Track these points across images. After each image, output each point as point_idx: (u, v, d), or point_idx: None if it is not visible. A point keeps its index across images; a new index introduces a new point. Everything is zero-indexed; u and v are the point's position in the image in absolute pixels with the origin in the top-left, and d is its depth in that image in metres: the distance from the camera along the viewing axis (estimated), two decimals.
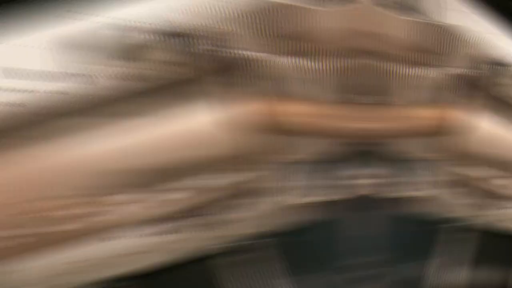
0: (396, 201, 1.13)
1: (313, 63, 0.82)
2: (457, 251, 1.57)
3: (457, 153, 0.99)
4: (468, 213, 1.47)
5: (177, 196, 0.72)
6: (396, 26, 0.86)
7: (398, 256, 1.22)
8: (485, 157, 1.03)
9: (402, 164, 1.13)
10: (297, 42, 0.79)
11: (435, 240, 1.57)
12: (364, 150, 0.94)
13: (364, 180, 0.98)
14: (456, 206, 1.37)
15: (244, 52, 0.73)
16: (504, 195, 1.22)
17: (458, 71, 0.99)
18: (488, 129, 1.00)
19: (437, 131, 0.97)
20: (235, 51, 0.72)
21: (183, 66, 0.68)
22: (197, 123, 0.72)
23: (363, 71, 0.89)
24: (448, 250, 1.55)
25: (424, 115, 0.94)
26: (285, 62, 0.78)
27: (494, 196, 1.30)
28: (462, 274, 1.56)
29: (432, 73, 0.97)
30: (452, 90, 1.01)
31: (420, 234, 1.45)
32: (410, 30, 0.87)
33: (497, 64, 0.96)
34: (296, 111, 0.82)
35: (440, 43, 0.93)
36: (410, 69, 0.94)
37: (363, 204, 1.00)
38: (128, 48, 0.64)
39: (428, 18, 0.89)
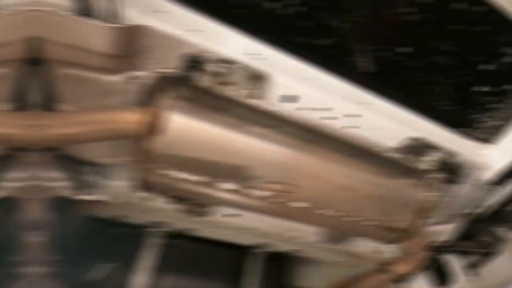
0: (83, 204, 1.22)
1: None
2: (149, 256, 1.65)
3: (150, 156, 0.96)
4: (168, 219, 1.54)
5: None
6: (83, 32, 0.84)
7: (81, 258, 1.33)
8: (183, 161, 0.99)
9: (90, 168, 1.21)
10: None
11: (125, 243, 1.68)
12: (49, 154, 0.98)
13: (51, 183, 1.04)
14: (154, 211, 1.44)
15: None
16: (208, 201, 1.20)
17: (149, 73, 0.97)
18: (189, 131, 0.97)
19: (127, 134, 0.95)
20: None
21: None
22: None
23: (38, 78, 0.90)
24: (136, 254, 1.65)
25: (111, 118, 0.92)
26: None
27: (196, 202, 1.30)
28: (146, 279, 1.63)
29: (121, 78, 0.95)
30: (143, 93, 1.00)
31: (109, 237, 1.59)
32: (100, 36, 0.85)
33: (197, 62, 0.93)
34: None
35: (131, 46, 0.90)
36: (97, 75, 0.93)
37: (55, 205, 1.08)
38: None
39: (120, 22, 0.87)
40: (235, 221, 1.56)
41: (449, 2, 1.06)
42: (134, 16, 0.91)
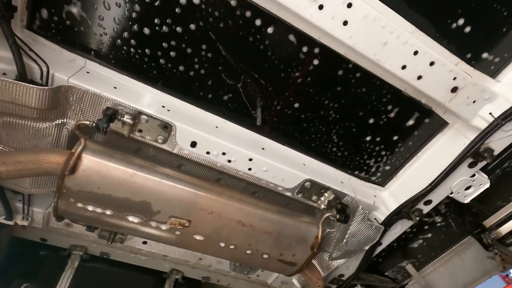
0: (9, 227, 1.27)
1: None
2: (67, 277, 1.77)
3: (65, 190, 1.12)
4: (86, 244, 1.83)
5: None
6: (19, 92, 1.03)
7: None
8: (93, 195, 1.15)
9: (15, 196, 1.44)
10: None
11: (45, 265, 1.83)
12: None
13: None
14: (74, 236, 1.73)
15: None
16: (116, 229, 1.39)
17: (73, 121, 1.18)
18: (98, 170, 1.13)
19: (47, 172, 1.13)
20: None
21: None
22: None
23: None
24: (55, 275, 1.78)
25: (34, 159, 1.11)
26: None
27: (106, 230, 1.53)
28: None
29: (49, 125, 1.16)
30: (67, 137, 1.22)
31: (30, 258, 1.82)
32: (32, 95, 1.04)
33: (113, 113, 1.12)
34: None
35: (58, 101, 1.12)
36: (30, 122, 1.13)
37: None
38: None
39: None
40: (145, 248, 1.71)
41: (333, 69, 1.32)
42: (60, 77, 1.12)
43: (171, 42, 1.20)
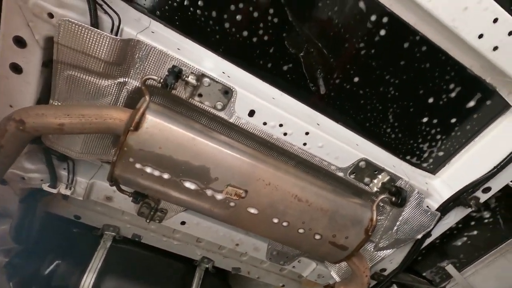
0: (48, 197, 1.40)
1: None
2: (99, 257, 1.73)
3: (124, 150, 1.06)
4: (122, 224, 1.78)
5: None
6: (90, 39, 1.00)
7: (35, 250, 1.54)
8: (153, 156, 1.09)
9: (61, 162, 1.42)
10: None
11: (79, 242, 1.80)
12: None
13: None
14: (110, 215, 1.68)
15: None
16: (167, 198, 1.26)
17: (136, 80, 1.15)
18: (161, 132, 1.07)
19: (109, 129, 1.08)
20: None
21: None
22: None
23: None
24: (88, 254, 1.77)
25: (97, 113, 1.05)
26: None
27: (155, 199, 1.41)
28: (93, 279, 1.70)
29: (112, 82, 1.13)
30: (129, 96, 1.17)
31: (65, 234, 1.83)
32: (102, 44, 1.01)
33: (177, 74, 1.07)
34: None
35: (125, 56, 1.07)
36: (93, 78, 1.10)
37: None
38: None
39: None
40: (182, 229, 1.64)
41: (399, 41, 1.29)
42: (129, 32, 1.10)
43: (239, 5, 1.18)
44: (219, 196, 1.23)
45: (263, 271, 2.07)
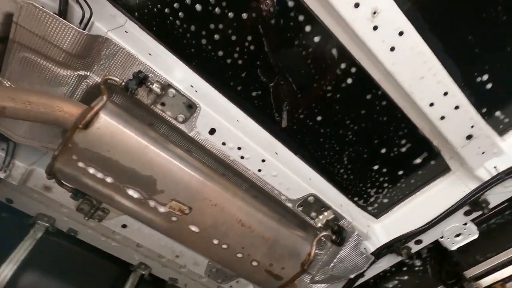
0: None
1: None
2: (24, 248, 1.58)
3: (71, 146, 1.02)
4: (58, 216, 1.66)
5: None
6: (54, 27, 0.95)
7: None
8: (99, 158, 1.05)
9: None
10: None
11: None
12: None
13: None
14: (47, 204, 1.57)
15: None
16: (109, 202, 1.21)
17: (98, 76, 1.09)
18: (112, 133, 1.03)
19: (57, 121, 1.02)
20: None
21: None
22: None
23: None
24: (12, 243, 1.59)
25: (47, 103, 0.99)
26: None
27: (95, 200, 1.35)
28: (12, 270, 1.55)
29: (71, 73, 1.07)
30: (87, 91, 1.11)
31: None
32: (67, 35, 0.96)
33: (142, 79, 1.04)
34: None
35: (90, 51, 1.04)
36: (52, 65, 1.04)
37: None
38: None
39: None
40: (122, 232, 1.59)
41: (363, 92, 1.36)
42: (100, 27, 1.06)
43: (219, 25, 1.19)
44: (161, 209, 1.21)
45: (201, 285, 2.04)
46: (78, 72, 1.12)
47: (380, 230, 1.71)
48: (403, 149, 1.53)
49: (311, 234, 1.55)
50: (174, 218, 1.23)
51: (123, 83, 1.05)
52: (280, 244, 1.40)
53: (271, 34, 1.21)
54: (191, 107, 1.21)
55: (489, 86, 1.33)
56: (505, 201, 1.51)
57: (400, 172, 1.61)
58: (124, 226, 1.63)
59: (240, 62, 1.27)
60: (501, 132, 1.44)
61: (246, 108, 1.38)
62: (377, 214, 1.75)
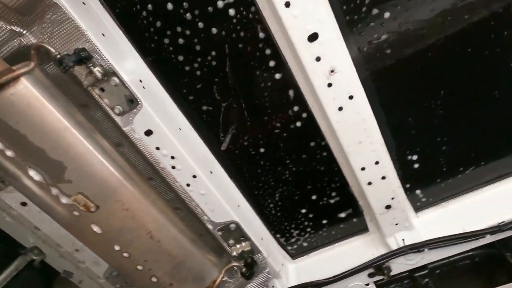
0: None
1: None
2: None
3: None
4: None
5: None
6: None
7: None
8: (7, 128, 0.93)
9: None
10: None
11: None
12: None
13: None
14: None
15: None
16: (8, 179, 1.06)
17: (34, 39, 0.97)
18: (30, 104, 0.92)
19: None
20: None
21: None
22: None
23: None
24: None
25: None
26: None
27: None
28: None
29: (3, 26, 0.93)
30: (16, 51, 0.97)
31: None
32: None
33: (85, 58, 0.96)
34: None
35: (33, 10, 0.93)
36: None
37: None
38: None
39: None
40: (20, 211, 1.42)
41: (308, 138, 1.40)
42: None
43: (186, 31, 1.16)
44: (64, 200, 1.09)
45: (98, 286, 1.87)
46: (13, 27, 0.99)
47: (292, 271, 1.73)
48: (332, 201, 1.59)
49: (224, 261, 1.52)
50: (76, 213, 1.12)
51: (58, 56, 0.95)
52: (187, 265, 1.34)
53: (236, 57, 1.21)
54: (132, 102, 1.14)
55: (416, 165, 1.45)
56: (405, 272, 1.62)
57: (324, 221, 1.66)
58: (24, 204, 1.45)
59: (198, 73, 1.24)
60: (417, 209, 1.57)
61: (192, 119, 1.34)
62: (294, 255, 1.78)
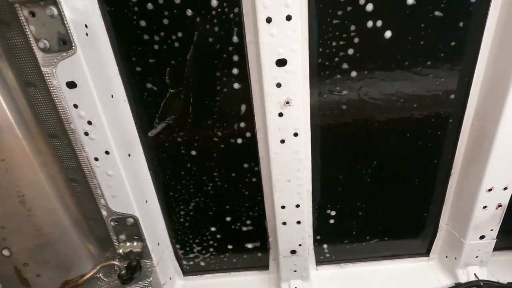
0: None
1: None
2: None
3: None
4: None
5: None
6: None
7: None
8: None
9: None
10: None
11: None
12: None
13: None
14: None
15: None
16: None
17: None
18: None
19: None
20: None
21: None
22: None
23: None
24: None
25: None
26: None
27: None
28: None
29: None
30: None
31: None
32: None
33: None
34: None
35: None
36: None
37: None
38: None
39: None
40: None
41: (244, 159, 1.35)
42: None
43: (160, 0, 1.05)
44: None
45: None
46: None
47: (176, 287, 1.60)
48: (244, 228, 1.53)
49: (106, 256, 1.32)
50: None
51: None
52: (55, 248, 1.13)
53: (202, 49, 1.13)
54: (65, 43, 0.96)
55: (332, 221, 1.48)
56: None
57: (230, 246, 1.59)
58: None
59: (156, 47, 1.12)
60: (318, 263, 1.59)
61: (131, 91, 1.19)
62: (186, 272, 1.65)
